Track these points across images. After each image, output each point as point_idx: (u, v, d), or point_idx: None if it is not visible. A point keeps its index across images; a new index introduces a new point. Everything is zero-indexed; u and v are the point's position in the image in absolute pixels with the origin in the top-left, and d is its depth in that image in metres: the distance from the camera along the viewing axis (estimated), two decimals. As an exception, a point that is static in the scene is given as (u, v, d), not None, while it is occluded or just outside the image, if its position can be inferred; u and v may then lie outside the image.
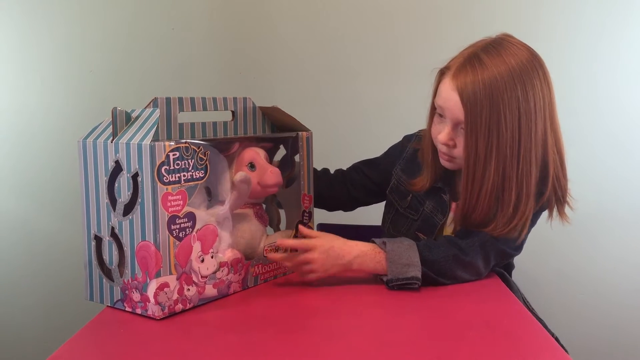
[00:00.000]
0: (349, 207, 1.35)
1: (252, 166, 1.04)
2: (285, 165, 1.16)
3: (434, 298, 0.99)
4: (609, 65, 1.76)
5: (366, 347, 0.79)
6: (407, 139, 1.27)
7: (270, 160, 1.10)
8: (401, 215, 1.23)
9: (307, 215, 1.17)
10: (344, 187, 1.30)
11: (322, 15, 1.83)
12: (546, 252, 1.81)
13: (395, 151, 1.28)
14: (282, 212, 1.19)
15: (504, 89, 0.97)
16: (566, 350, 0.92)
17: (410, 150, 1.23)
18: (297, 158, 1.15)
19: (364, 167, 1.31)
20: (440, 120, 1.07)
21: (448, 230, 1.16)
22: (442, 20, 1.79)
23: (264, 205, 1.14)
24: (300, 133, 1.14)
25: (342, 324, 0.88)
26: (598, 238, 1.82)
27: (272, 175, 1.04)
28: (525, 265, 1.78)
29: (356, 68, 1.83)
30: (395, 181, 1.23)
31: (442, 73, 1.06)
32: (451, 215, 1.15)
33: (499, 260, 1.09)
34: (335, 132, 1.76)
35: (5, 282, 1.94)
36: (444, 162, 1.11)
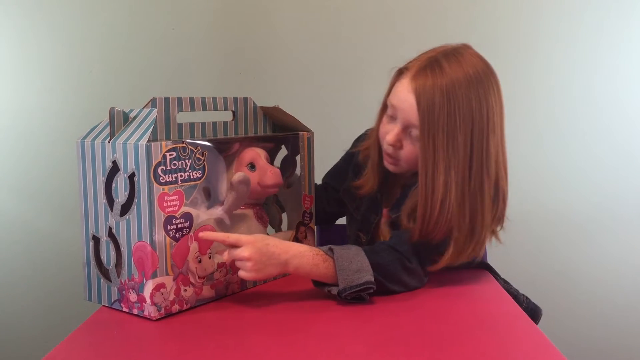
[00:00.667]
0: (330, 221, 1.36)
1: (252, 166, 1.04)
2: (287, 166, 1.15)
3: (428, 298, 0.99)
4: (609, 65, 1.76)
5: (362, 348, 0.79)
6: (357, 140, 1.26)
7: (271, 160, 1.09)
8: (351, 215, 1.23)
9: (308, 215, 1.16)
10: (321, 205, 1.28)
11: (322, 15, 1.83)
12: (546, 252, 1.80)
13: (348, 155, 1.28)
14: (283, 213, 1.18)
15: (461, 98, 0.96)
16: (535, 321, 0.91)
17: (358, 152, 1.22)
18: (298, 158, 1.15)
19: (330, 181, 1.29)
20: (390, 120, 1.05)
21: (384, 229, 1.14)
22: (443, 21, 1.78)
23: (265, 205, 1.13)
24: (301, 133, 1.14)
25: (340, 325, 0.88)
26: (598, 239, 1.81)
27: (272, 175, 1.04)
28: (526, 266, 1.79)
29: (356, 68, 1.83)
30: (347, 183, 1.22)
31: (400, 73, 1.05)
32: (383, 220, 1.14)
33: (430, 266, 1.05)
34: (335, 132, 1.75)
35: (5, 282, 1.94)
36: (387, 165, 1.09)
